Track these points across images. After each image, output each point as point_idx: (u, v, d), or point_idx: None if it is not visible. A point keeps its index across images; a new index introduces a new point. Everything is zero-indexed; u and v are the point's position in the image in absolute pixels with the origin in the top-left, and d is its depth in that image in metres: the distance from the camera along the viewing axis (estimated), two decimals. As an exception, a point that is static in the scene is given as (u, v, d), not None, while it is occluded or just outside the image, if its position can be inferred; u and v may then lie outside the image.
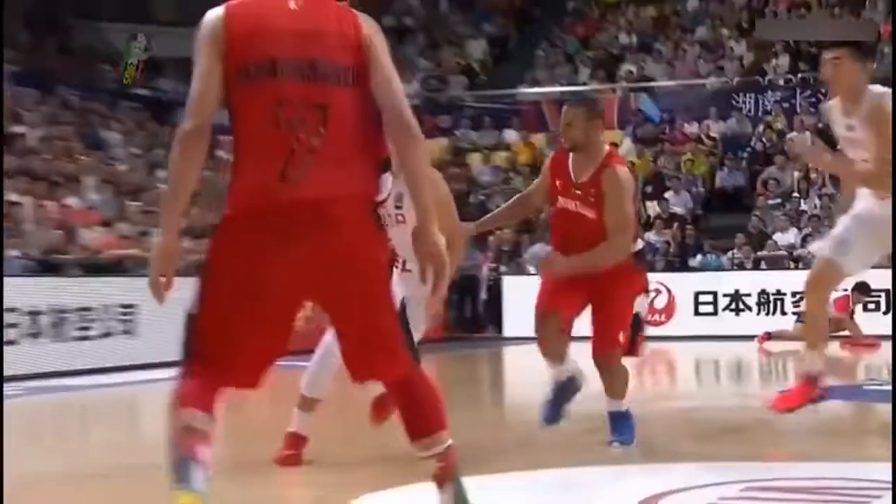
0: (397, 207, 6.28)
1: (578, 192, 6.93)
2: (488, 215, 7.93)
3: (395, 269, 5.61)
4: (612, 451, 6.94)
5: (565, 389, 7.10)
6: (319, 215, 4.04)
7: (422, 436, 4.23)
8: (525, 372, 12.71)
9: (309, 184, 4.02)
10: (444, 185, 6.63)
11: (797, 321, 17.35)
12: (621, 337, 7.05)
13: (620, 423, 7.17)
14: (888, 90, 7.14)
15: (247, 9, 4.14)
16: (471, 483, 5.66)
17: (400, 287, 5.55)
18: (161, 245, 4.19)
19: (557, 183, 7.04)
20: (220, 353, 4.14)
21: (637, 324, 7.17)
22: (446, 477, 4.22)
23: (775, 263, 20.48)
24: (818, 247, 7.62)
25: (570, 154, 7.05)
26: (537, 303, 7.11)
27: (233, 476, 6.10)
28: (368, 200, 4.17)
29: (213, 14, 4.11)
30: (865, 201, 7.29)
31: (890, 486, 5.42)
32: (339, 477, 6.12)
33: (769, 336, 16.70)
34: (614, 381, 7.17)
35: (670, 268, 20.34)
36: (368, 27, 4.20)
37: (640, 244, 7.49)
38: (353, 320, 4.18)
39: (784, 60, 24.53)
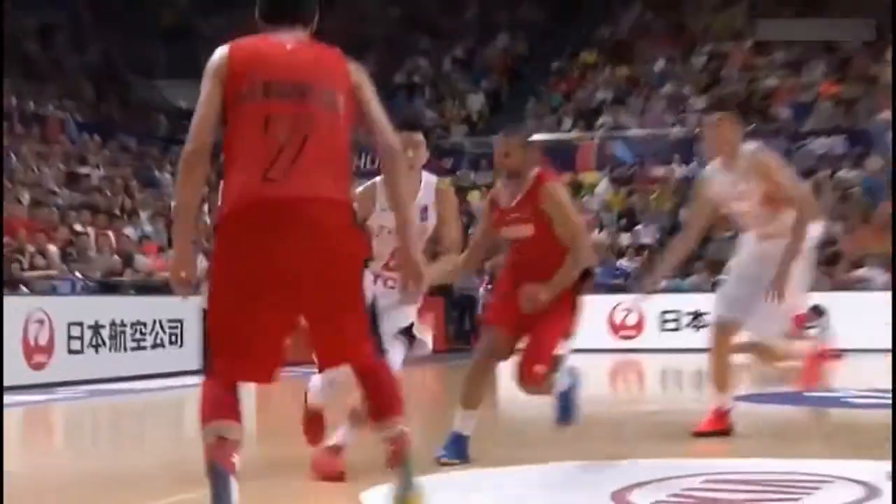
0: (423, 219, 5.87)
1: (514, 215, 6.38)
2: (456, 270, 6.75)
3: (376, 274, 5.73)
4: (585, 447, 6.76)
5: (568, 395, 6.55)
6: (301, 213, 3.99)
7: (379, 419, 4.15)
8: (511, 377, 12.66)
9: (292, 185, 3.98)
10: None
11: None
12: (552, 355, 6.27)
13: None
14: (759, 144, 7.24)
15: (248, 45, 4.18)
16: (452, 478, 5.72)
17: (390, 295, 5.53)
18: (175, 262, 4.19)
19: (494, 217, 6.50)
20: (231, 345, 4.09)
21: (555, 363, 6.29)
22: (398, 459, 4.11)
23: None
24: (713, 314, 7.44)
25: (502, 185, 6.52)
26: (493, 317, 6.53)
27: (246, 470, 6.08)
28: (345, 204, 4.12)
29: (220, 50, 4.15)
30: (747, 247, 7.32)
31: (828, 478, 5.40)
32: (350, 470, 5.95)
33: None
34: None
35: (640, 290, 20.30)
36: (356, 69, 4.24)
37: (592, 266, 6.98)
38: (327, 309, 4.11)
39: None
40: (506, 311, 6.37)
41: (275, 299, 4.05)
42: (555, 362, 6.23)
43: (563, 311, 6.31)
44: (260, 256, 4.00)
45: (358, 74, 4.22)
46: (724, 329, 7.25)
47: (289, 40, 4.18)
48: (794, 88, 24.81)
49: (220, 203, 4.13)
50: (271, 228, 3.98)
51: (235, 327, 4.06)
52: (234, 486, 3.97)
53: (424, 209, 5.85)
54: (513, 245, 6.48)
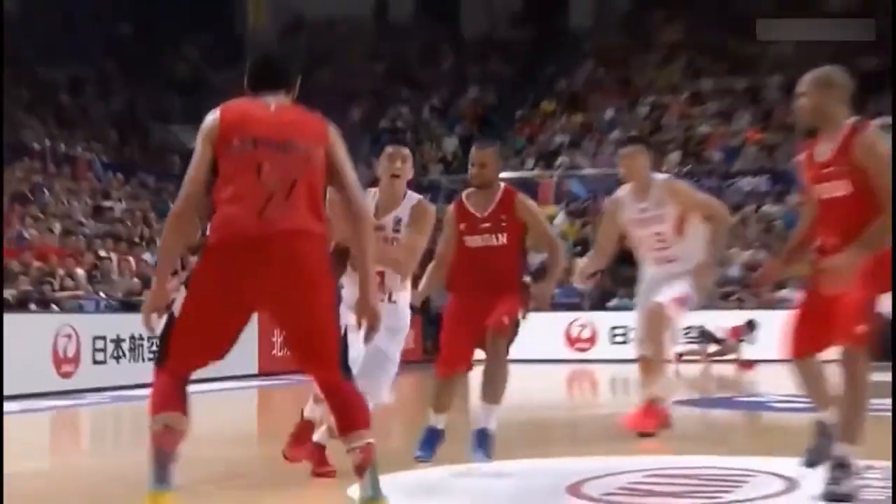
0: (395, 231, 5.59)
1: (486, 224, 6.05)
2: (425, 285, 6.38)
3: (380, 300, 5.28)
4: (544, 446, 6.73)
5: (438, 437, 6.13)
6: (287, 245, 4.00)
7: (347, 432, 4.10)
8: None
9: (281, 221, 4.00)
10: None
11: (703, 338, 17.39)
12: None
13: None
14: (668, 175, 7.25)
15: (236, 107, 4.20)
16: (419, 475, 5.62)
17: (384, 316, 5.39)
18: (153, 294, 4.24)
19: (462, 226, 6.07)
20: (197, 346, 4.11)
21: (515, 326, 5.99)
22: (365, 466, 4.07)
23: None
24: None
25: (467, 197, 6.18)
26: (441, 368, 6.08)
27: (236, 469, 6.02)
28: (324, 238, 4.14)
29: (212, 114, 4.17)
30: (651, 272, 7.20)
31: (754, 473, 5.39)
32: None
33: (681, 357, 16.77)
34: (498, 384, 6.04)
35: (593, 308, 20.27)
36: (333, 132, 4.24)
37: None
38: (303, 327, 4.10)
39: (676, 156, 24.59)
40: (459, 348, 6.02)
41: (241, 317, 4.10)
42: (515, 326, 5.97)
43: (514, 299, 5.98)
44: (250, 279, 4.00)
45: (334, 136, 4.23)
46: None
47: (272, 103, 4.21)
48: (725, 135, 24.91)
49: (209, 231, 4.10)
50: (264, 256, 3.99)
51: (207, 332, 4.10)
52: (175, 469, 4.01)
53: (399, 221, 5.59)
54: (469, 255, 6.08)
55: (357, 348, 5.11)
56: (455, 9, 30.92)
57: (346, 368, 4.18)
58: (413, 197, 5.71)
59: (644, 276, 7.29)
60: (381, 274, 5.39)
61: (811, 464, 5.20)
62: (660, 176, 7.05)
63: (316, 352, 4.13)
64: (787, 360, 5.18)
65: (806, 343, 5.07)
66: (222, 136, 4.09)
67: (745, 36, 25.81)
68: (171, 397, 4.09)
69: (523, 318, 6.05)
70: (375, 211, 5.54)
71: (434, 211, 5.74)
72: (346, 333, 4.23)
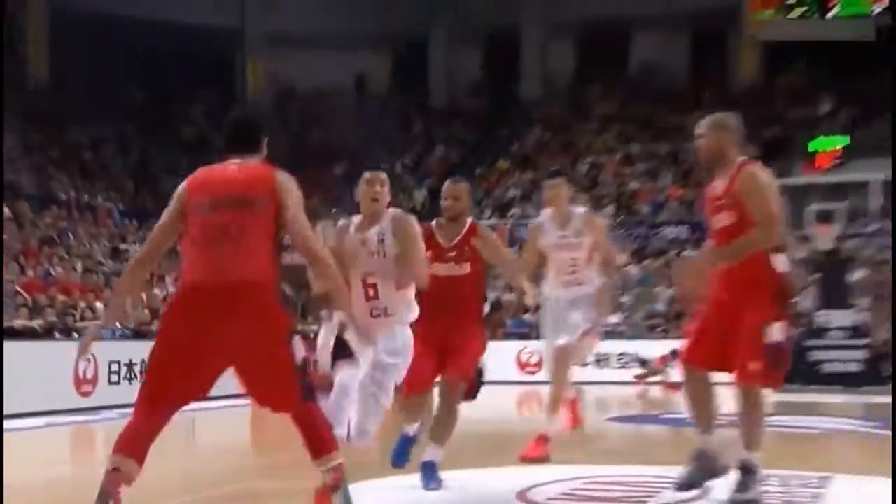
0: (379, 242, 5.18)
1: (452, 253, 5.69)
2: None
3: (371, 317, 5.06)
4: (497, 456, 6.60)
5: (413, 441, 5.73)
6: (236, 295, 3.90)
7: (318, 456, 4.02)
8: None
9: (230, 272, 3.91)
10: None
11: (640, 364, 17.40)
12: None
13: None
14: (587, 209, 7.01)
15: (201, 173, 4.18)
16: (372, 486, 5.40)
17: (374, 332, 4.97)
18: (99, 322, 4.31)
19: (429, 254, 5.54)
20: (154, 392, 4.00)
21: (479, 374, 5.68)
22: (337, 485, 4.02)
23: (607, 335, 20.43)
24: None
25: (437, 227, 5.79)
26: (406, 388, 5.45)
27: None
28: (271, 285, 3.99)
29: (184, 181, 4.18)
30: (555, 293, 6.82)
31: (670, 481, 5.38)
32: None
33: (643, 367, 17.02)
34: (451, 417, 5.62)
35: (539, 338, 20.25)
36: (283, 182, 4.08)
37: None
38: (255, 369, 3.98)
39: (610, 208, 24.76)
40: (422, 373, 5.50)
41: (211, 360, 3.97)
42: (479, 375, 5.65)
43: (477, 336, 5.70)
44: (206, 329, 3.90)
45: (285, 185, 4.09)
46: (559, 355, 6.78)
47: (236, 163, 4.16)
48: (651, 191, 25.10)
49: (179, 284, 4.10)
50: (215, 306, 3.90)
51: (162, 378, 3.99)
52: None
53: (382, 234, 5.17)
54: (434, 282, 5.44)
55: (351, 376, 4.98)
56: (424, 82, 31.08)
57: (306, 394, 4.03)
58: (391, 211, 5.30)
59: (549, 296, 6.93)
60: (374, 286, 5.13)
61: (686, 487, 4.96)
62: (579, 209, 6.88)
63: (274, 396, 4.01)
64: (684, 368, 5.00)
65: (704, 356, 4.87)
66: (188, 198, 4.09)
67: (667, 109, 26.14)
68: (134, 442, 3.96)
69: (483, 352, 5.72)
70: (358, 227, 5.25)
71: (414, 219, 5.37)
72: (303, 363, 4.08)
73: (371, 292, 5.14)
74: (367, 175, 5.33)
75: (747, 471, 4.71)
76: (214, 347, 3.93)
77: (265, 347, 3.92)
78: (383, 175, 5.31)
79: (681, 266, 4.51)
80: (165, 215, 4.14)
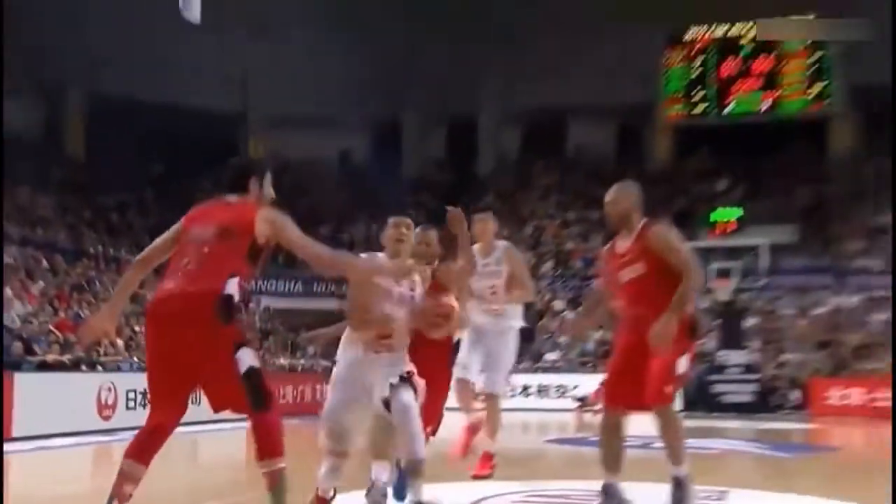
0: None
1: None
2: (324, 330, 5.09)
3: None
4: (449, 472, 6.17)
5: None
6: (181, 305, 3.68)
7: (261, 458, 3.72)
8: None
9: (183, 286, 3.72)
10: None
11: (579, 400, 17.30)
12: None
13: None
14: (508, 243, 6.36)
15: (197, 209, 4.05)
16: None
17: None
18: (97, 315, 4.10)
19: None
20: (151, 397, 3.81)
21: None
22: (272, 487, 3.72)
23: (545, 371, 20.47)
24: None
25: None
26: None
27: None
28: (215, 298, 3.65)
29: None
30: (477, 318, 6.07)
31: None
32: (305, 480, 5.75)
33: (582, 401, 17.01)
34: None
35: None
36: (266, 214, 3.87)
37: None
38: (207, 376, 3.72)
39: (550, 264, 24.90)
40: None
41: (169, 369, 3.73)
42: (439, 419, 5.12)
43: (442, 375, 5.13)
44: (158, 340, 3.75)
45: (266, 217, 3.86)
46: (464, 387, 6.12)
47: (225, 200, 4.00)
48: (584, 250, 25.27)
49: None
50: (166, 316, 3.73)
51: (152, 388, 3.81)
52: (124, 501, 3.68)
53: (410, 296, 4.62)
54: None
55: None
56: (397, 156, 31.27)
57: (257, 404, 3.70)
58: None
59: (471, 323, 6.12)
60: (389, 336, 4.50)
61: None
62: (503, 242, 6.34)
63: (222, 398, 3.74)
64: (603, 409, 4.78)
65: (622, 396, 4.66)
66: (182, 228, 3.96)
67: (597, 183, 26.45)
68: (141, 448, 3.77)
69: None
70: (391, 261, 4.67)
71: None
72: (256, 371, 3.70)
73: (387, 341, 4.53)
74: (392, 220, 4.84)
75: (679, 484, 4.50)
76: (170, 351, 3.72)
77: (203, 354, 3.66)
78: (408, 220, 4.86)
79: (662, 332, 4.24)
80: (160, 238, 4.00)
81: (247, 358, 3.69)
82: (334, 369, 4.64)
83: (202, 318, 3.64)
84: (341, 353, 4.64)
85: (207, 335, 3.65)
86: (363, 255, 4.61)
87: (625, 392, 4.63)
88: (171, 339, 3.69)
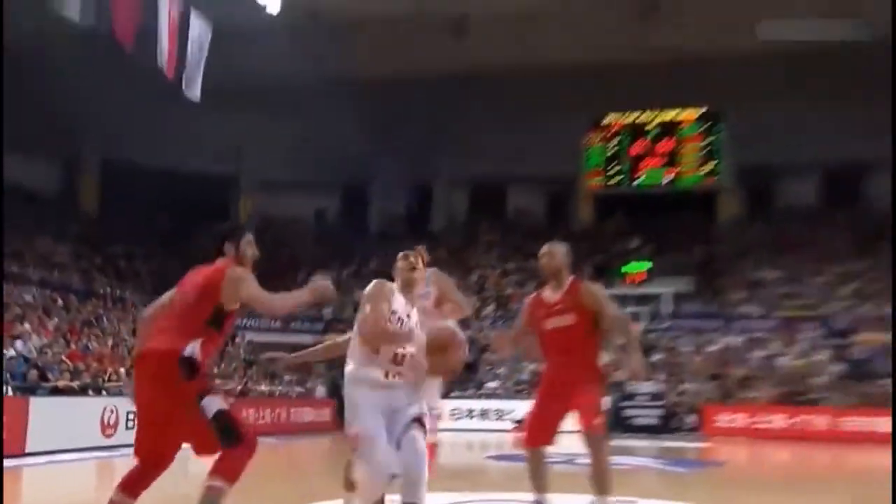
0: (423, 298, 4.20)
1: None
2: (304, 352, 4.51)
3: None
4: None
5: None
6: (145, 362, 3.56)
7: (213, 473, 3.54)
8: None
9: (149, 342, 3.61)
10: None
11: (515, 422, 17.16)
12: None
13: None
14: (434, 269, 5.39)
15: (188, 272, 3.89)
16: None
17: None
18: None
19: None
20: (136, 445, 3.69)
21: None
22: (204, 500, 3.56)
23: (487, 397, 20.36)
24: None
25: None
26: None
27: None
28: (176, 354, 3.50)
29: None
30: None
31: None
32: (294, 487, 5.59)
33: (518, 423, 16.76)
34: None
35: (444, 397, 19.99)
36: (231, 274, 3.65)
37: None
38: (183, 432, 3.59)
39: (492, 307, 24.93)
40: None
41: (147, 420, 3.60)
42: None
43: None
44: (140, 388, 3.62)
45: (231, 277, 3.65)
46: None
47: (207, 266, 3.81)
48: (522, 295, 25.13)
49: None
50: (138, 372, 3.64)
51: (137, 437, 3.69)
52: None
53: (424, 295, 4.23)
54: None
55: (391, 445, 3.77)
56: (364, 215, 31.36)
57: (228, 442, 3.53)
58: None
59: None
60: (401, 363, 3.93)
61: None
62: (430, 269, 5.31)
63: (200, 444, 3.59)
64: (524, 449, 4.58)
65: (539, 436, 4.57)
66: (175, 290, 3.84)
67: (532, 240, 26.73)
68: (132, 484, 3.63)
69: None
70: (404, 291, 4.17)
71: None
72: (223, 413, 3.51)
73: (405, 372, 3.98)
74: (402, 253, 4.30)
75: None
76: (145, 403, 3.58)
77: (171, 406, 3.51)
78: (414, 252, 4.35)
79: (637, 367, 4.09)
80: (158, 300, 3.88)
81: (212, 405, 3.53)
82: (352, 390, 3.82)
83: (167, 376, 3.50)
84: (356, 375, 3.84)
85: (172, 391, 3.49)
86: (375, 281, 4.09)
87: (544, 435, 4.57)
88: (145, 393, 3.57)
